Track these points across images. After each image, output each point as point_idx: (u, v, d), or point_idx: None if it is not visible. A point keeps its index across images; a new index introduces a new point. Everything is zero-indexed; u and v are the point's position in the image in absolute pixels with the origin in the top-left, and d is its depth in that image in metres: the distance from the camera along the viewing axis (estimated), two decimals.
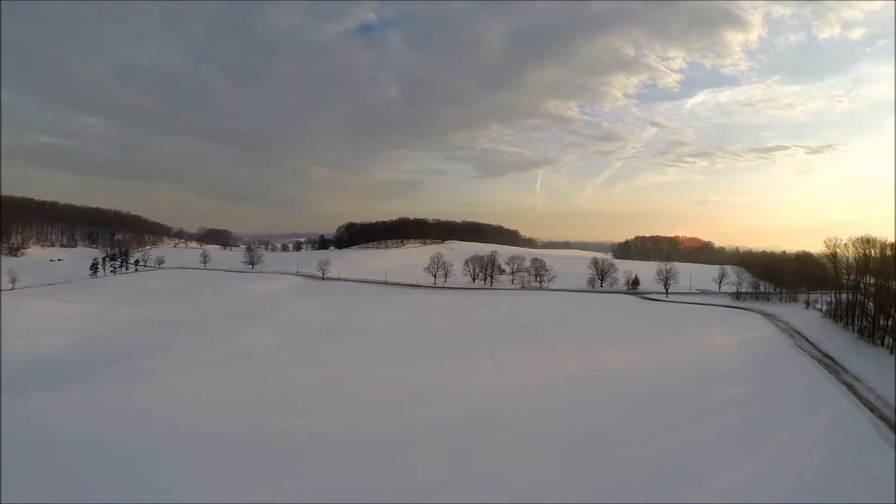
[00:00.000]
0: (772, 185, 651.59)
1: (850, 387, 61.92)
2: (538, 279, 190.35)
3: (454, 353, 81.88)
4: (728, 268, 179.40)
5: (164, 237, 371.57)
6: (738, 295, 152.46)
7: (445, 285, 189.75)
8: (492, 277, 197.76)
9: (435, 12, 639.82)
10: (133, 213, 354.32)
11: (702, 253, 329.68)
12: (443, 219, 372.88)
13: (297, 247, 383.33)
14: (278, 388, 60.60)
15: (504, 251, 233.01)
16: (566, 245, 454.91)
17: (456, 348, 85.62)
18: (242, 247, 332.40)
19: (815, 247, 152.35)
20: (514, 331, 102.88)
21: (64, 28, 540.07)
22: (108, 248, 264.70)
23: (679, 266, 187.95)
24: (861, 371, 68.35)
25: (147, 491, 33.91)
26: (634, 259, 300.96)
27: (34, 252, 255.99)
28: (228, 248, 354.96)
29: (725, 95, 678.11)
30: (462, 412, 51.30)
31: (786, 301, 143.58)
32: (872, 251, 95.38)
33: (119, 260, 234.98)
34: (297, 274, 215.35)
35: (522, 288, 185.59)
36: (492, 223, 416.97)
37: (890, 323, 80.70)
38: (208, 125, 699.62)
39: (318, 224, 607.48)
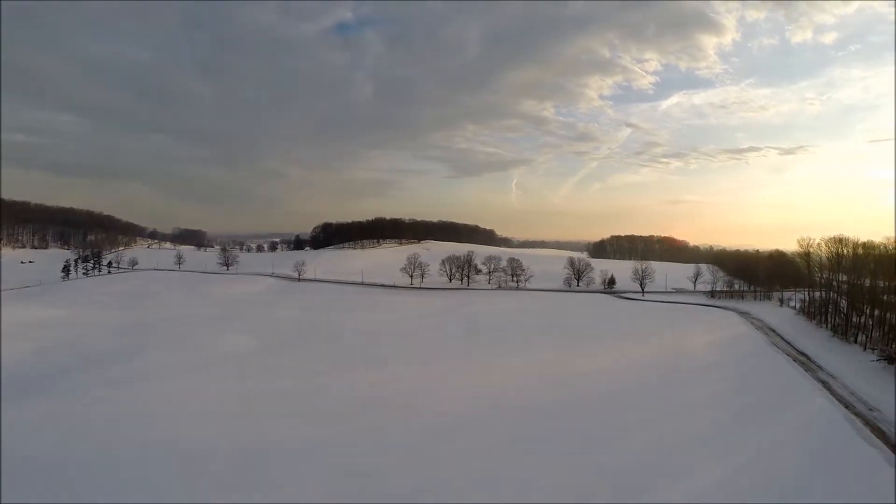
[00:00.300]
0: (745, 185, 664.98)
1: (825, 384, 61.90)
2: (515, 279, 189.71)
3: (431, 356, 79.52)
4: (703, 266, 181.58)
5: (138, 238, 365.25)
6: (712, 293, 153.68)
7: (422, 286, 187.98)
8: (468, 278, 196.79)
9: (412, 12, 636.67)
10: (106, 213, 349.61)
11: (677, 252, 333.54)
12: (419, 218, 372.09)
13: (273, 247, 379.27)
14: (255, 395, 57.51)
15: (480, 251, 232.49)
16: (542, 244, 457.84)
17: (433, 351, 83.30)
18: (217, 247, 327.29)
19: (788, 245, 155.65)
20: (491, 332, 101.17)
21: (31, 23, 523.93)
22: (81, 250, 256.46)
23: (654, 265, 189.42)
24: (835, 368, 68.49)
25: None
26: (610, 258, 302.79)
27: (5, 254, 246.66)
28: (203, 249, 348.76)
29: (700, 97, 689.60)
30: (439, 417, 49.62)
31: (760, 299, 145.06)
32: (845, 250, 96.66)
33: (91, 262, 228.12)
34: (272, 275, 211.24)
35: (499, 288, 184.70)
36: (468, 223, 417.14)
37: (862, 320, 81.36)
38: (182, 124, 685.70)
39: (293, 224, 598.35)
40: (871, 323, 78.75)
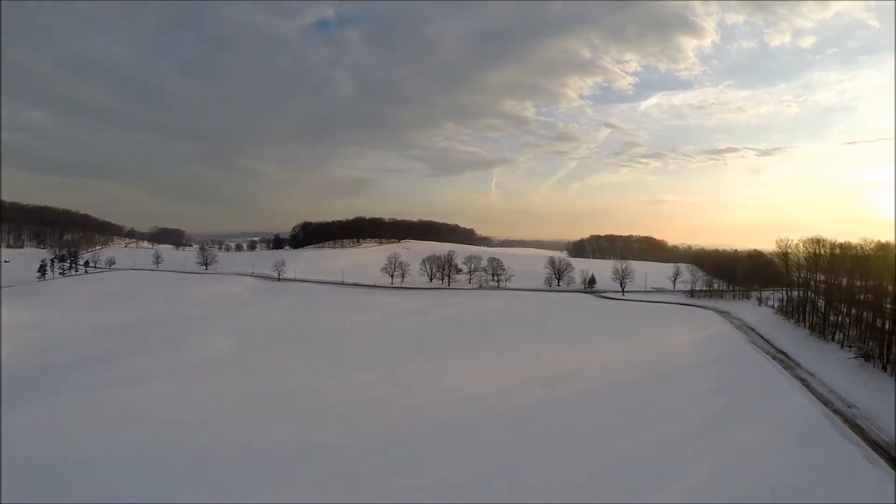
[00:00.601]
0: (723, 186, 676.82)
1: (804, 381, 62.57)
2: (495, 278, 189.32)
3: (412, 357, 78.23)
4: (682, 266, 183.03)
5: (115, 237, 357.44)
6: (692, 293, 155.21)
7: (403, 285, 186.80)
8: (449, 277, 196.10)
9: (393, 11, 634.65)
10: (83, 211, 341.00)
11: (656, 251, 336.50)
12: (399, 218, 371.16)
13: (252, 246, 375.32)
14: (237, 398, 55.78)
15: (460, 250, 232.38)
16: (522, 243, 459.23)
17: (414, 352, 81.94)
18: (196, 247, 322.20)
19: (766, 245, 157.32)
20: (476, 332, 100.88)
21: (7, 16, 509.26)
22: (57, 249, 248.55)
23: (634, 264, 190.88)
24: (813, 366, 69.25)
25: None
26: (590, 257, 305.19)
27: None
28: (181, 248, 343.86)
29: (679, 98, 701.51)
30: (431, 418, 49.23)
31: (739, 298, 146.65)
32: (822, 250, 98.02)
33: (68, 261, 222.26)
34: (252, 275, 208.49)
35: (480, 287, 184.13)
36: (448, 222, 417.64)
37: (839, 319, 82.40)
38: (160, 121, 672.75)
39: (272, 223, 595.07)
40: (847, 321, 79.74)
